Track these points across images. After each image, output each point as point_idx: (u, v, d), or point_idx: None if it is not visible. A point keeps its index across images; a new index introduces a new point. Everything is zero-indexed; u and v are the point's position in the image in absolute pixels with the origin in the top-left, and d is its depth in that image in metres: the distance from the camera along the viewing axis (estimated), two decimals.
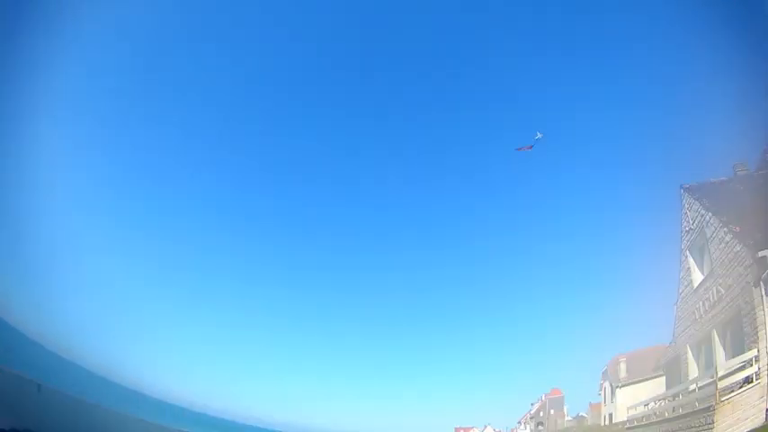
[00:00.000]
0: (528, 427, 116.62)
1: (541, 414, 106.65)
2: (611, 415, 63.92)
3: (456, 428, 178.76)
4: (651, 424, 25.79)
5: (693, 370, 25.79)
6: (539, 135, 36.36)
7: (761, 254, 18.71)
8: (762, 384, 18.17)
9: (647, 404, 30.08)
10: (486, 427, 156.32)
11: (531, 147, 36.13)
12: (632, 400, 42.31)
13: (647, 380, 51.80)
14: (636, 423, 29.50)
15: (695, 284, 25.49)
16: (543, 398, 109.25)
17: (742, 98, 28.94)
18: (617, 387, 61.56)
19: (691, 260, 26.09)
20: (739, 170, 26.71)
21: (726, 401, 18.17)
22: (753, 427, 17.11)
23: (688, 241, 26.21)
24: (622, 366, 62.01)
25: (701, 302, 24.55)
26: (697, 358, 25.83)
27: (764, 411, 17.58)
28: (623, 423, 41.01)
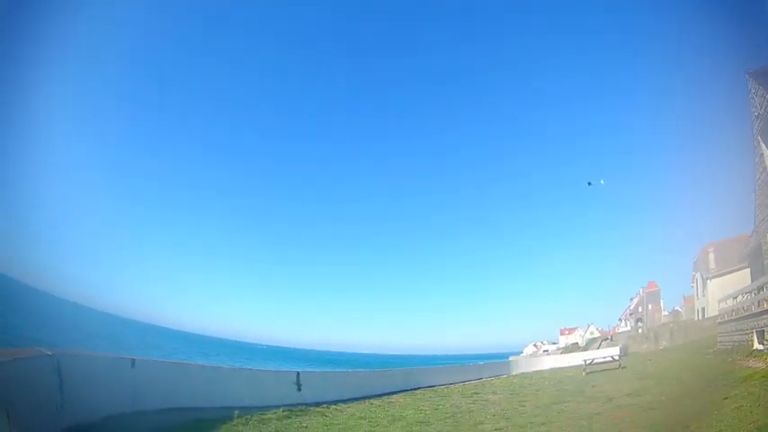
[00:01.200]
0: (628, 323, 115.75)
1: (640, 310, 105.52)
2: (703, 309, 62.77)
3: (561, 329, 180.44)
4: (740, 319, 25.37)
5: None
6: (602, 182, 37.61)
7: None
8: None
9: (735, 297, 29.44)
10: (589, 326, 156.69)
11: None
12: (721, 292, 41.58)
13: (733, 271, 50.68)
14: (726, 318, 28.97)
15: None
16: (641, 292, 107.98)
17: None
18: (707, 279, 60.29)
19: (763, 146, 24.69)
20: None
21: None
22: None
23: (758, 126, 24.84)
24: (711, 257, 60.54)
25: None
26: None
27: None
28: (714, 318, 40.54)
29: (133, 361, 14.74)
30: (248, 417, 15.77)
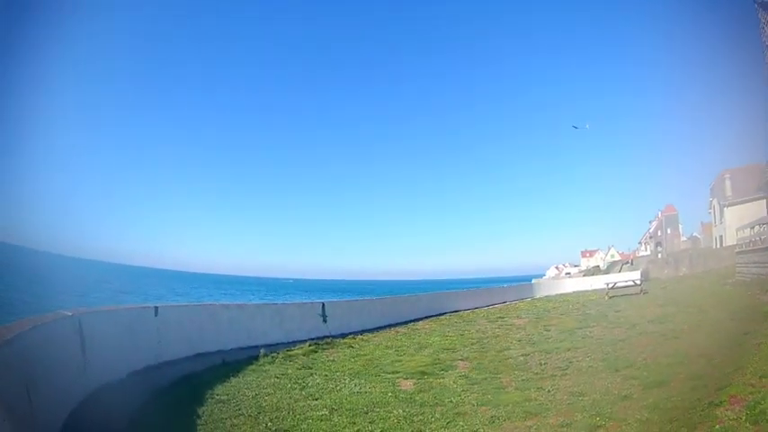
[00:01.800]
0: (648, 247, 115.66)
1: (659, 234, 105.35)
2: (721, 237, 62.52)
3: (582, 252, 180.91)
4: (758, 251, 25.36)
5: None
6: (587, 126, 36.60)
7: None
8: None
9: (753, 228, 29.32)
10: (609, 248, 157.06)
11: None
12: (739, 220, 41.38)
13: (751, 200, 50.28)
14: (744, 248, 28.93)
15: None
16: (659, 215, 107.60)
17: None
18: (724, 206, 59.92)
19: None
20: None
21: None
22: None
23: None
24: (728, 183, 59.95)
25: None
26: None
27: None
28: (732, 247, 40.35)
29: (156, 309, 14.33)
30: (275, 354, 15.95)
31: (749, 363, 10.54)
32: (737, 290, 24.64)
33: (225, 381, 12.25)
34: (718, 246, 61.93)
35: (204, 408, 9.79)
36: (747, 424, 7.14)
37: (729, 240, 52.16)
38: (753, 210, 46.75)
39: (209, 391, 11.04)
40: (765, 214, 31.40)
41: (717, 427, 7.30)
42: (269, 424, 8.94)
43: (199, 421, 8.95)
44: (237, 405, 10.11)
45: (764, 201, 35.06)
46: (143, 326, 13.62)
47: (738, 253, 29.48)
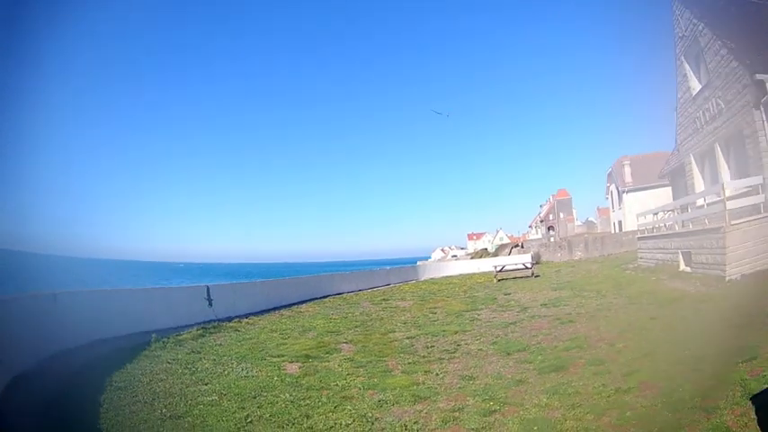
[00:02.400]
0: (539, 231, 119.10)
1: (551, 217, 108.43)
2: (620, 222, 64.83)
3: (469, 234, 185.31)
4: (662, 236, 25.91)
5: (699, 183, 25.34)
6: (447, 115, 36.88)
7: (758, 77, 17.90)
8: None
9: (656, 213, 30.07)
10: (498, 231, 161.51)
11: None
12: (640, 206, 42.63)
13: (653, 187, 52.31)
14: (647, 234, 29.62)
15: (693, 92, 24.28)
16: (551, 199, 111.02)
17: None
18: (623, 192, 62.07)
19: (687, 66, 24.71)
20: None
21: (736, 227, 17.80)
22: (764, 267, 16.84)
23: (682, 47, 24.62)
24: (627, 170, 62.22)
25: (701, 112, 23.63)
26: (702, 170, 25.29)
27: None
28: (633, 232, 41.43)
29: (55, 296, 14.50)
30: (165, 339, 15.83)
31: (658, 349, 10.59)
32: (640, 275, 25.00)
33: (121, 367, 12.26)
34: (618, 231, 64.16)
35: (105, 395, 9.88)
36: (665, 412, 7.02)
37: (629, 226, 54.14)
38: (654, 196, 48.60)
39: (108, 379, 11.08)
40: (667, 201, 32.23)
41: (628, 413, 7.26)
42: (163, 410, 9.09)
43: (101, 409, 9.06)
44: (134, 392, 10.23)
45: (668, 188, 36.14)
46: (43, 313, 13.67)
47: (640, 238, 30.14)
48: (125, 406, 9.28)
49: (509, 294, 25.47)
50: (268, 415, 8.79)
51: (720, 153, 22.59)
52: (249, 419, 8.60)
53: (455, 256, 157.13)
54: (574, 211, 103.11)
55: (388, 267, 55.56)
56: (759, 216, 18.14)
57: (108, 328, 15.88)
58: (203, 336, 17.15)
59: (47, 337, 13.22)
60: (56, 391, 10.17)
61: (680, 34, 24.91)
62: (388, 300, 28.02)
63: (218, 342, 16.22)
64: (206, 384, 10.89)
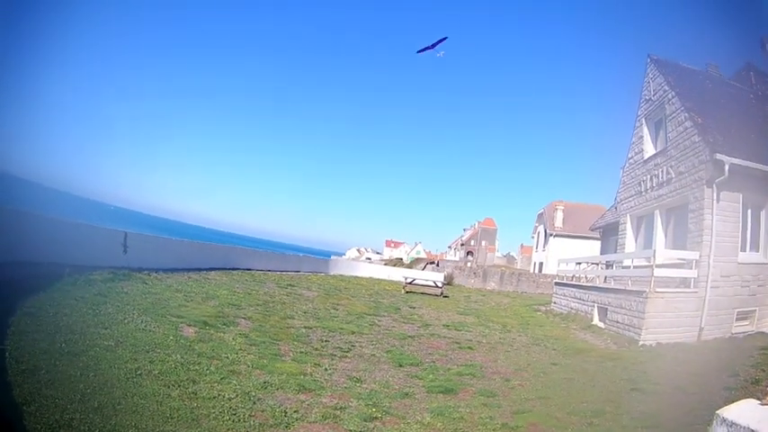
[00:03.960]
0: (458, 253, 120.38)
1: (472, 243, 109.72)
2: (541, 264, 65.94)
3: (387, 241, 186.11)
4: (581, 287, 26.14)
5: (631, 244, 25.79)
6: (441, 54, 36.58)
7: (718, 156, 18.31)
8: (699, 296, 18.20)
9: (579, 263, 30.48)
10: (416, 244, 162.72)
11: (433, 47, 35.94)
12: (564, 253, 43.41)
13: (582, 238, 53.41)
14: (565, 280, 29.95)
15: (646, 156, 24.75)
16: (476, 225, 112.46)
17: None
18: (551, 235, 63.17)
19: (645, 129, 25.17)
20: (711, 70, 26.10)
21: (660, 294, 18.04)
22: (684, 340, 17.07)
23: (646, 110, 25.00)
24: (559, 214, 63.41)
25: (648, 176, 24.03)
26: (636, 232, 25.78)
27: (698, 328, 17.66)
28: (552, 276, 41.98)
29: None
30: (77, 276, 15.71)
31: (555, 395, 10.57)
32: (550, 319, 25.31)
33: (33, 294, 12.34)
34: (537, 272, 64.83)
35: (13, 318, 10.02)
36: None
37: (550, 269, 54.99)
38: (580, 247, 49.55)
39: (20, 303, 11.20)
40: (593, 254, 32.82)
41: None
42: (63, 345, 9.13)
43: (8, 331, 9.18)
44: (39, 321, 10.31)
45: (595, 242, 36.96)
46: None
47: (558, 283, 30.44)
48: (29, 333, 9.38)
49: (414, 308, 25.51)
50: (157, 372, 8.83)
51: (660, 220, 22.96)
52: (139, 372, 8.62)
53: (369, 258, 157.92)
54: (497, 242, 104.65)
55: (300, 254, 55.76)
56: (687, 290, 18.57)
57: (27, 252, 15.92)
58: (112, 281, 17.03)
59: None
60: None
61: (647, 97, 25.30)
62: (294, 286, 27.99)
63: (125, 290, 16.14)
64: (105, 329, 10.83)
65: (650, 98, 24.86)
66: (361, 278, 47.83)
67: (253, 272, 32.84)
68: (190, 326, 13.06)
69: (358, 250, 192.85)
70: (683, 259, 19.48)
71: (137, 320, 12.24)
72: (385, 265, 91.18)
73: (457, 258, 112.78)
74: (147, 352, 9.83)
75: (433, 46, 35.87)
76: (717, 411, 6.00)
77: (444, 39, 35.11)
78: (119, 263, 20.36)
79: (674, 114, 22.01)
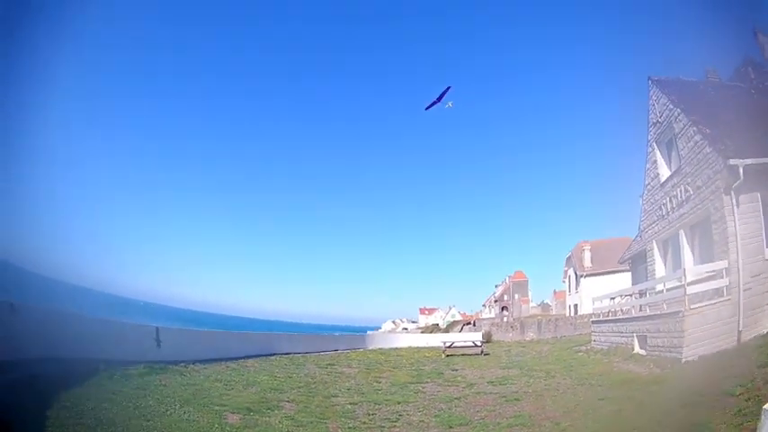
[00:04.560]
0: (492, 310, 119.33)
1: (506, 298, 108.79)
2: (576, 306, 65.21)
3: (421, 309, 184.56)
4: (618, 320, 26.01)
5: (660, 269, 25.67)
6: (450, 105, 36.89)
7: (732, 162, 18.32)
8: (733, 301, 18.06)
9: (614, 298, 30.25)
10: (450, 308, 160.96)
11: (439, 100, 36.22)
12: (597, 291, 42.93)
13: (612, 272, 52.90)
14: (602, 317, 29.73)
15: (662, 179, 24.84)
16: (507, 280, 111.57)
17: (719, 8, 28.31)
18: (581, 276, 62.65)
19: (657, 153, 25.35)
20: (711, 76, 26.28)
21: (695, 311, 17.97)
22: (724, 347, 17.04)
23: (655, 133, 25.21)
24: (587, 254, 63.00)
25: (668, 198, 24.09)
26: (664, 257, 25.71)
27: (737, 332, 17.57)
28: (588, 316, 41.65)
29: (12, 306, 15.04)
30: (113, 371, 15.81)
31: (606, 428, 10.70)
32: (592, 357, 25.00)
33: (69, 389, 12.40)
34: (573, 314, 64.07)
35: (51, 411, 10.00)
36: None
37: (585, 309, 54.50)
38: (612, 281, 49.09)
39: (56, 396, 11.24)
40: (625, 286, 32.54)
41: None
42: None
43: (46, 422, 9.24)
44: (79, 414, 10.33)
45: (627, 273, 36.64)
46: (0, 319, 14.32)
47: (594, 321, 30.24)
48: (69, 426, 9.36)
49: (456, 370, 25.17)
50: None
51: (685, 239, 22.90)
52: None
53: (406, 328, 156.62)
54: (529, 292, 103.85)
55: (337, 333, 55.55)
56: (721, 299, 18.47)
57: (60, 348, 15.85)
58: (149, 374, 17.08)
59: (1, 342, 13.60)
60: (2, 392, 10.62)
61: (654, 120, 25.44)
62: (334, 365, 27.72)
63: (163, 383, 16.15)
64: (148, 421, 10.88)
65: (657, 120, 24.99)
66: (400, 349, 47.33)
67: (291, 355, 32.60)
68: (233, 413, 13.00)
69: (393, 322, 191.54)
70: (713, 271, 19.37)
71: (179, 411, 12.27)
72: (422, 332, 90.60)
73: (492, 315, 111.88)
74: None
75: (440, 99, 36.13)
76: (764, 407, 5.99)
77: (448, 88, 35.35)
78: (153, 357, 20.47)
79: (683, 131, 22.10)
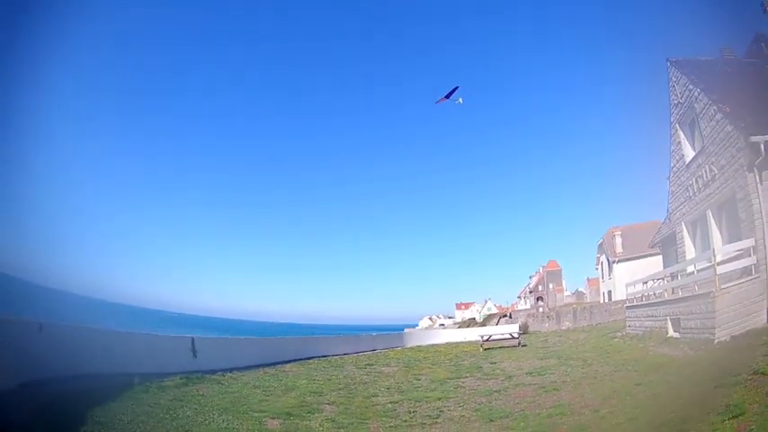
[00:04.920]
0: (528, 301, 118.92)
1: (540, 288, 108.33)
2: (609, 292, 64.86)
3: (457, 304, 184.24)
4: (651, 305, 25.99)
5: (690, 250, 25.59)
6: (460, 101, 37.67)
7: (753, 139, 18.24)
8: (761, 279, 17.97)
9: (646, 282, 30.17)
10: (486, 301, 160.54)
11: (448, 97, 36.96)
12: (630, 276, 42.71)
13: (643, 257, 52.55)
14: (635, 302, 29.68)
15: (687, 160, 24.73)
16: (541, 270, 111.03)
17: None
18: (614, 262, 62.27)
19: (681, 134, 25.27)
20: (726, 54, 26.16)
21: (725, 290, 17.88)
22: (755, 326, 16.99)
23: (678, 114, 25.15)
24: (618, 240, 62.60)
25: (694, 179, 23.98)
26: (693, 238, 25.59)
27: (765, 311, 17.53)
28: (622, 302, 41.54)
29: (40, 325, 14.94)
30: (148, 384, 15.89)
31: (643, 413, 10.51)
32: (627, 342, 25.00)
33: (103, 404, 12.38)
34: (607, 300, 64.25)
35: (85, 428, 9.99)
36: None
37: (619, 295, 54.23)
38: (644, 266, 48.74)
39: (89, 412, 11.16)
40: (657, 270, 32.36)
41: None
42: None
43: None
44: (114, 429, 10.46)
45: (658, 257, 36.43)
46: (27, 340, 14.12)
47: (629, 307, 30.17)
48: None
49: (494, 363, 25.26)
50: None
51: (712, 219, 22.83)
52: None
53: (443, 324, 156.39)
54: (563, 281, 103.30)
55: (374, 333, 56.32)
56: (749, 278, 18.42)
57: (91, 365, 15.90)
58: (186, 385, 17.18)
59: (29, 364, 13.43)
60: (34, 413, 10.47)
61: (675, 101, 25.39)
62: (372, 365, 27.96)
63: (201, 392, 16.24)
64: (186, 431, 10.95)
65: (678, 101, 24.94)
66: (438, 345, 47.46)
67: (328, 358, 32.81)
68: (273, 418, 13.06)
69: (430, 318, 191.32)
70: (741, 249, 19.34)
71: (217, 420, 12.34)
72: (459, 327, 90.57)
73: (528, 306, 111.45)
74: None
75: (449, 96, 36.89)
76: None
77: (456, 88, 36.07)
78: (189, 367, 20.56)
79: (704, 110, 22.07)
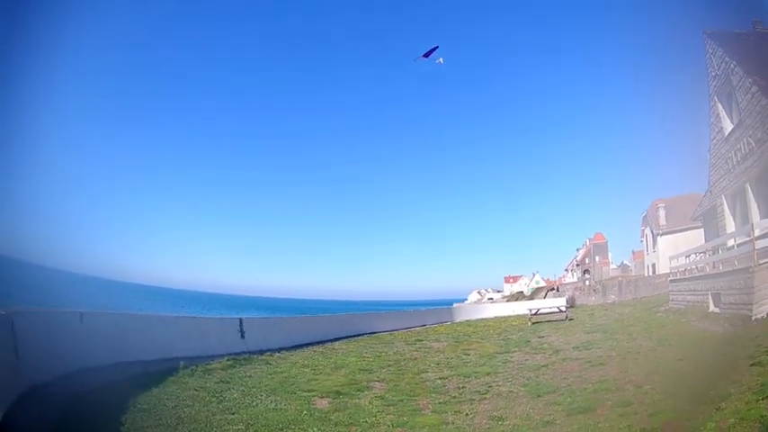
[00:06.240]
0: (575, 274, 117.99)
1: (587, 261, 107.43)
2: (654, 265, 63.99)
3: (506, 278, 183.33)
4: (693, 279, 25.76)
5: (730, 224, 25.17)
6: (440, 60, 37.66)
7: None
8: None
9: (688, 256, 29.87)
10: (534, 275, 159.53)
11: (427, 56, 36.85)
12: (673, 249, 42.18)
13: (686, 230, 51.71)
14: (679, 276, 29.42)
15: (726, 132, 24.35)
16: (587, 243, 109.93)
17: None
18: (658, 235, 61.40)
19: (719, 106, 24.81)
20: (758, 27, 25.62)
21: (764, 265, 17.51)
22: None
23: (715, 86, 24.90)
24: (661, 213, 61.65)
25: (733, 152, 23.54)
26: (733, 211, 25.18)
27: None
28: (666, 275, 41.12)
29: (81, 315, 14.75)
30: (194, 367, 15.99)
31: (684, 389, 10.61)
32: (670, 317, 24.77)
33: (146, 390, 12.41)
34: (651, 274, 63.69)
35: (126, 415, 9.98)
36: None
37: (663, 268, 53.51)
38: (688, 238, 48.04)
39: (132, 400, 11.20)
40: (699, 243, 31.98)
41: None
42: None
43: (122, 429, 9.17)
44: (158, 415, 10.34)
45: (701, 230, 35.89)
46: (68, 330, 13.85)
47: (672, 281, 29.92)
48: (147, 428, 9.44)
49: (542, 337, 25.32)
50: None
51: (751, 193, 22.43)
52: None
53: (491, 298, 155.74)
54: (609, 254, 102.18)
55: (423, 309, 55.95)
56: None
57: (134, 352, 15.87)
58: (233, 366, 17.31)
59: (71, 353, 13.38)
60: (75, 404, 10.45)
61: (713, 73, 25.03)
62: (422, 340, 28.03)
63: (249, 374, 16.34)
64: (233, 414, 10.97)
65: (716, 73, 24.57)
66: (487, 319, 47.38)
67: (378, 334, 32.89)
68: (322, 398, 13.07)
69: (479, 293, 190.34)
70: None
71: (266, 401, 12.31)
72: (507, 301, 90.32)
73: (575, 279, 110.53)
74: (281, 430, 9.92)
75: (427, 55, 36.94)
76: None
77: (436, 48, 36.14)
78: (237, 349, 20.55)
79: (740, 83, 21.73)
